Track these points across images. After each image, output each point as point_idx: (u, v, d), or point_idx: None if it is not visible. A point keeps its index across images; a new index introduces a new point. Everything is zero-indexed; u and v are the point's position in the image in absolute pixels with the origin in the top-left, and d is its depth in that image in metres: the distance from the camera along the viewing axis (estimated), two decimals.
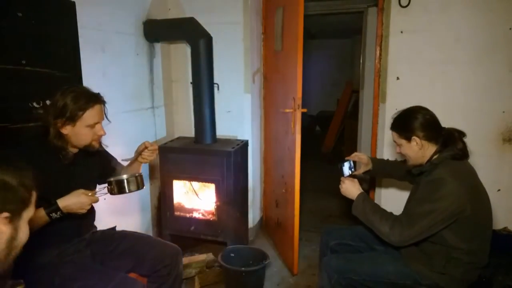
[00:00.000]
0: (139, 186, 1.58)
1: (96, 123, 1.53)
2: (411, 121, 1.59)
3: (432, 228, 1.46)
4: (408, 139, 1.60)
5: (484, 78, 2.38)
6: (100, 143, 1.65)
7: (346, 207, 3.86)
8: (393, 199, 2.70)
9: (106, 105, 1.59)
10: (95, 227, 1.82)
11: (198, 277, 2.39)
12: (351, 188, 1.74)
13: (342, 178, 1.79)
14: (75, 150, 1.58)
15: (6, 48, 1.66)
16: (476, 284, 1.57)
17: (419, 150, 1.60)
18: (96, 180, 1.73)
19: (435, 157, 1.58)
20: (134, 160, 1.80)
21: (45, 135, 1.49)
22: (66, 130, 1.49)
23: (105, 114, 1.60)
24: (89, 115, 1.50)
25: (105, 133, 1.58)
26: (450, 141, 1.57)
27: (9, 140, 1.65)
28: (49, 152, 1.50)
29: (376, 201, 2.82)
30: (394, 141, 1.70)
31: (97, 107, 1.52)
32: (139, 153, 1.76)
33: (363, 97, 4.05)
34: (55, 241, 1.56)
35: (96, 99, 1.53)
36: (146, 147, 1.74)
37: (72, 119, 1.47)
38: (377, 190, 2.81)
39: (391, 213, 1.60)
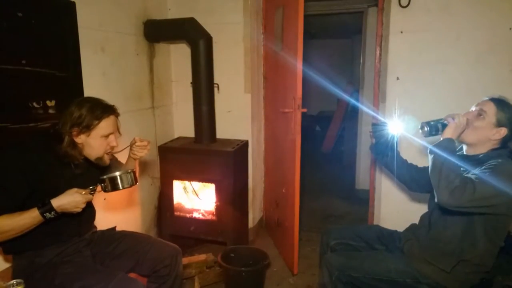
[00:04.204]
0: (132, 182, 1.59)
1: (110, 133, 1.55)
2: None
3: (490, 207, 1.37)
4: (499, 125, 1.49)
5: (484, 78, 2.38)
6: (111, 157, 1.65)
7: (346, 207, 3.89)
8: (393, 198, 2.70)
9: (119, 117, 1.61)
10: (95, 227, 1.82)
11: (198, 277, 2.39)
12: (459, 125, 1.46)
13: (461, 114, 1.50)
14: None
15: (6, 48, 1.66)
16: (477, 285, 1.57)
17: (492, 140, 1.51)
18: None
19: (490, 149, 1.53)
20: (127, 157, 1.81)
21: (54, 142, 1.50)
22: (81, 139, 1.51)
23: (118, 127, 1.61)
24: (104, 125, 1.51)
25: (117, 145, 1.60)
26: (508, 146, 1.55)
27: (9, 140, 1.66)
28: (56, 158, 1.50)
29: (376, 200, 2.83)
30: (481, 109, 1.52)
31: (112, 118, 1.55)
32: (129, 147, 1.76)
33: (363, 97, 4.05)
34: (55, 241, 1.56)
35: (111, 110, 1.55)
36: (135, 142, 1.73)
37: (88, 128, 1.49)
38: (377, 187, 2.81)
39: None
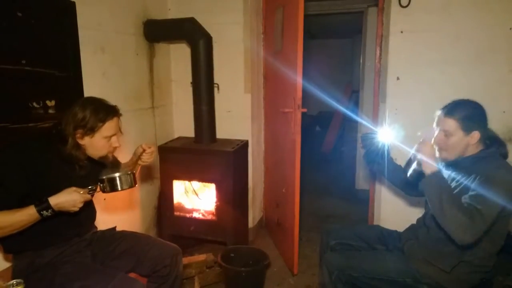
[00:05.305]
0: (131, 184, 1.59)
1: (113, 135, 1.56)
2: (480, 115, 1.50)
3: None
4: (468, 132, 1.48)
5: (484, 78, 2.38)
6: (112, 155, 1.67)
7: (346, 207, 3.89)
8: (393, 199, 2.70)
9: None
10: (95, 227, 1.82)
11: (198, 277, 2.39)
12: (429, 156, 1.43)
13: (424, 141, 1.49)
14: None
15: (6, 48, 1.66)
16: (477, 285, 1.57)
17: (473, 145, 1.50)
18: None
19: (479, 150, 1.52)
20: (134, 163, 1.82)
21: (57, 143, 1.50)
22: (84, 141, 1.51)
23: (120, 127, 1.61)
24: (108, 127, 1.52)
25: (119, 145, 1.60)
26: (495, 142, 1.54)
27: (9, 140, 1.65)
28: (60, 159, 1.50)
29: (376, 200, 2.83)
30: (444, 130, 1.52)
31: (115, 120, 1.56)
32: (138, 156, 1.78)
33: (363, 97, 4.05)
34: (55, 241, 1.56)
35: (114, 112, 1.56)
36: (144, 150, 1.75)
37: (92, 130, 1.50)
38: (377, 188, 2.81)
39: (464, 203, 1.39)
